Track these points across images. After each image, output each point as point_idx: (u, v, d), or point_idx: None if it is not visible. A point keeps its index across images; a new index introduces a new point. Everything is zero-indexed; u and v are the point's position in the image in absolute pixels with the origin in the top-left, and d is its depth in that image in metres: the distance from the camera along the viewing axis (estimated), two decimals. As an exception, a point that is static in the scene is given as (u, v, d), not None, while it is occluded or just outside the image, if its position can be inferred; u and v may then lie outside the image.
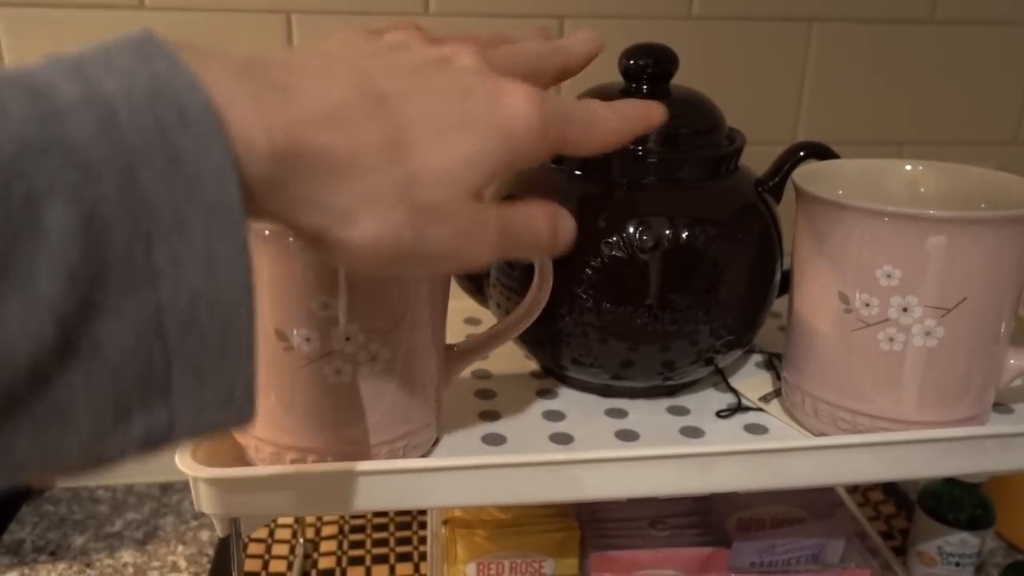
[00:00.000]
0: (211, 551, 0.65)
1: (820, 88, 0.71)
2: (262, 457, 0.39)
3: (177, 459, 0.37)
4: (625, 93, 0.48)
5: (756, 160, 0.50)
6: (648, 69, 0.47)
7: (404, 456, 0.40)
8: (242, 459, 0.41)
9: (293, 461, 0.39)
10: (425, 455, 0.42)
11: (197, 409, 0.22)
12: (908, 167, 0.47)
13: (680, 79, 0.49)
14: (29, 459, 0.20)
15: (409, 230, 0.26)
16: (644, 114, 0.33)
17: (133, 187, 0.19)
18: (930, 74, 0.72)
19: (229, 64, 0.22)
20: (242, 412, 0.23)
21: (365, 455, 0.39)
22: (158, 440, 0.22)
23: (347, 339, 0.36)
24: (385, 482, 0.38)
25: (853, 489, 0.73)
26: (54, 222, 0.18)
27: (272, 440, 0.39)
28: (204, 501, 0.37)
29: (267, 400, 0.38)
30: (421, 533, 0.67)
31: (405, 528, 0.68)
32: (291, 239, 0.35)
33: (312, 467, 0.38)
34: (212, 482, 0.37)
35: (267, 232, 0.35)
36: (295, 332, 0.36)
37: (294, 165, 0.23)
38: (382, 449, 0.39)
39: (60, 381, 0.19)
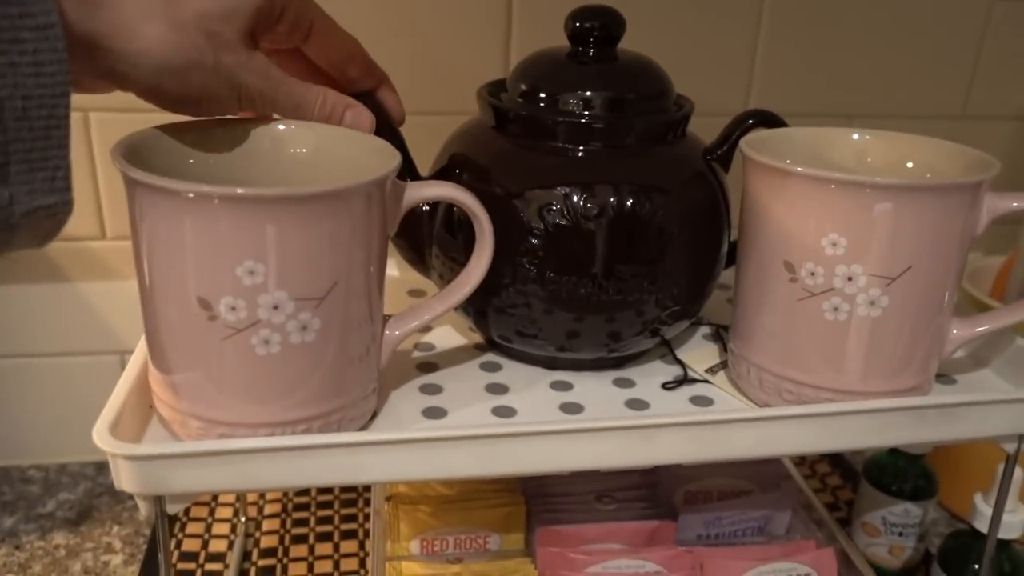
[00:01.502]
0: (148, 531, 0.63)
1: (772, 59, 0.70)
2: (188, 432, 0.38)
3: (95, 435, 0.35)
4: (572, 56, 0.47)
5: (709, 130, 0.50)
6: (595, 32, 0.46)
7: (339, 430, 0.39)
8: (165, 434, 0.39)
9: (221, 436, 0.37)
10: (362, 429, 0.41)
11: (30, 191, 0.29)
12: (855, 136, 0.47)
13: (633, 48, 0.48)
14: None
15: (208, 55, 0.35)
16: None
17: None
18: (881, 47, 0.72)
19: None
20: (64, 196, 0.30)
21: (297, 429, 0.37)
22: (2, 216, 0.28)
23: (275, 308, 0.34)
24: (318, 457, 0.37)
25: (800, 461, 0.73)
26: None
27: (199, 414, 0.37)
28: (125, 479, 0.35)
29: (193, 372, 0.36)
30: (367, 510, 0.66)
31: (351, 505, 0.67)
32: (216, 201, 0.33)
33: (241, 442, 0.36)
34: (133, 459, 0.35)
35: (191, 195, 0.33)
36: (220, 300, 0.34)
37: None
38: (315, 423, 0.38)
39: None
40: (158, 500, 0.37)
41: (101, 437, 0.35)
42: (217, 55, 0.35)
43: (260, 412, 0.37)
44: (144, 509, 0.37)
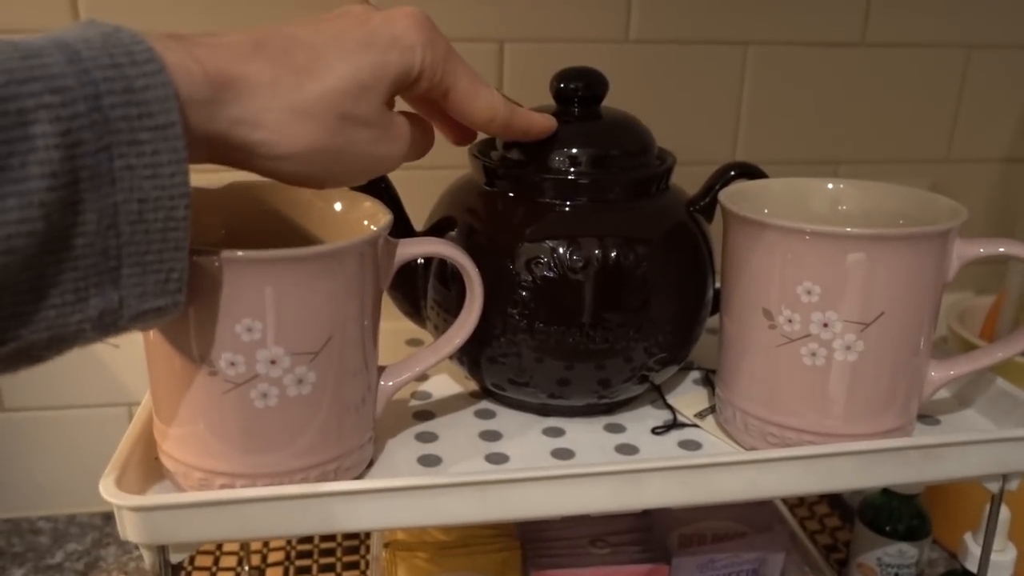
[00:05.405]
0: (154, 581, 0.64)
1: (757, 109, 0.72)
2: (191, 483, 0.39)
3: (101, 487, 0.37)
4: (557, 116, 0.49)
5: (696, 181, 0.51)
6: (579, 92, 0.48)
7: (336, 478, 0.40)
8: (169, 486, 0.40)
9: (222, 486, 0.38)
10: (359, 477, 0.42)
11: (141, 294, 0.28)
12: (830, 185, 0.49)
13: (619, 102, 0.50)
14: (5, 329, 0.26)
15: (338, 136, 0.33)
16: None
17: (98, 110, 0.25)
18: (863, 95, 0.74)
19: (157, 34, 0.29)
20: (176, 298, 0.29)
21: (295, 478, 0.39)
22: (110, 320, 0.28)
23: (272, 362, 0.36)
24: (315, 505, 0.38)
25: (799, 502, 0.74)
26: (40, 133, 0.24)
27: (200, 465, 0.38)
28: (130, 530, 0.37)
29: (195, 425, 0.38)
30: (369, 557, 0.67)
31: (353, 552, 0.68)
32: (217, 263, 0.35)
33: (241, 492, 0.38)
34: (137, 510, 0.36)
35: (194, 257, 0.35)
36: (220, 356, 0.36)
37: (225, 89, 0.30)
38: (313, 472, 0.39)
39: (39, 263, 0.25)
40: (161, 550, 0.38)
41: (107, 489, 0.37)
42: (348, 135, 0.33)
43: (259, 463, 0.38)
44: (148, 559, 0.38)
